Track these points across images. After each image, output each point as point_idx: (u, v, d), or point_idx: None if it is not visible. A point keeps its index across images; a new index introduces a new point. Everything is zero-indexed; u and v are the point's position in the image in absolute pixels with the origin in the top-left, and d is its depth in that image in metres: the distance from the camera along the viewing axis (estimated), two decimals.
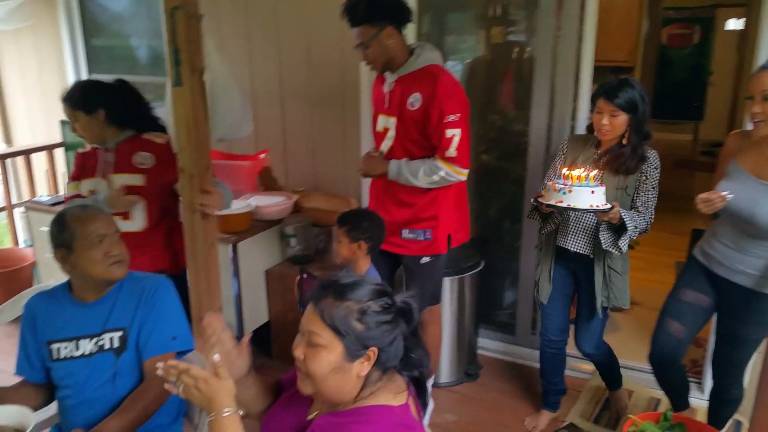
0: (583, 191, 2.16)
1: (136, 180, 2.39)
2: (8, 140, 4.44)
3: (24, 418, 1.54)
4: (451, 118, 2.33)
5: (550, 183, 2.25)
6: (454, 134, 2.35)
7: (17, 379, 1.87)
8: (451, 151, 2.36)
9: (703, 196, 2.04)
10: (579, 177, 2.21)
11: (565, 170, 2.28)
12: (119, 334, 1.77)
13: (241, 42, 3.50)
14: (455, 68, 3.40)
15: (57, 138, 3.83)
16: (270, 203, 3.20)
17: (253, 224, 3.10)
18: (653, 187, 2.34)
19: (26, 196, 4.15)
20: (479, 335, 3.35)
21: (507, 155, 3.35)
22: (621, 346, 3.34)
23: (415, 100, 2.39)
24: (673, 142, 8.34)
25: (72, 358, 1.77)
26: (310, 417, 1.37)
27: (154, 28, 3.89)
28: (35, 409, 1.71)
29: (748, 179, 2.10)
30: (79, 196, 2.46)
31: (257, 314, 3.21)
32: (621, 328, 3.63)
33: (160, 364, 1.31)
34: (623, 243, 2.29)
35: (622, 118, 2.29)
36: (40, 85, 4.28)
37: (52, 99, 4.26)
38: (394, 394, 1.29)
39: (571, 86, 2.96)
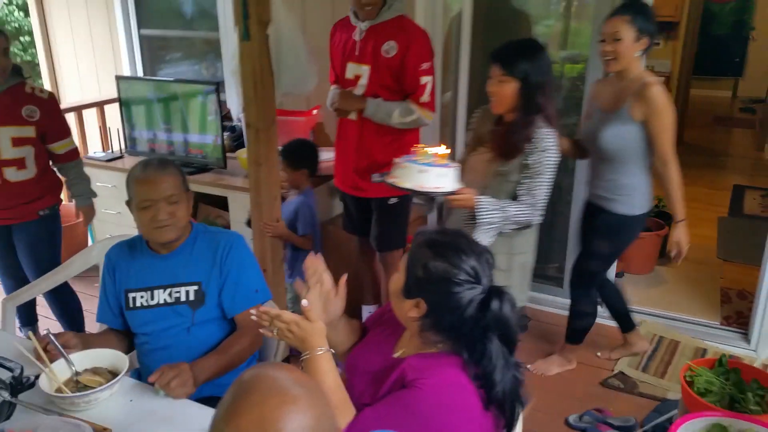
0: (412, 168, 1.91)
1: (27, 132, 2.57)
2: (59, 97, 4.50)
3: (119, 361, 1.61)
4: (425, 66, 2.52)
5: (396, 158, 2.01)
6: (427, 81, 2.54)
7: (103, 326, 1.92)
8: (425, 97, 2.55)
9: None
10: (423, 154, 1.95)
11: (417, 146, 2.03)
12: (194, 288, 1.78)
13: None
14: None
15: (108, 94, 3.89)
16: (322, 159, 3.23)
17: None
18: (538, 174, 2.01)
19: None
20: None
21: (560, 110, 3.33)
22: (665, 299, 3.40)
23: (390, 48, 2.51)
24: (712, 99, 8.22)
25: (148, 307, 1.80)
26: (396, 355, 1.41)
27: None
28: None
29: (598, 112, 2.45)
30: None
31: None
32: (666, 281, 3.67)
33: (253, 311, 1.41)
34: (479, 235, 2.00)
35: (512, 87, 2.00)
36: (90, 41, 4.31)
37: (101, 55, 4.29)
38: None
39: None
